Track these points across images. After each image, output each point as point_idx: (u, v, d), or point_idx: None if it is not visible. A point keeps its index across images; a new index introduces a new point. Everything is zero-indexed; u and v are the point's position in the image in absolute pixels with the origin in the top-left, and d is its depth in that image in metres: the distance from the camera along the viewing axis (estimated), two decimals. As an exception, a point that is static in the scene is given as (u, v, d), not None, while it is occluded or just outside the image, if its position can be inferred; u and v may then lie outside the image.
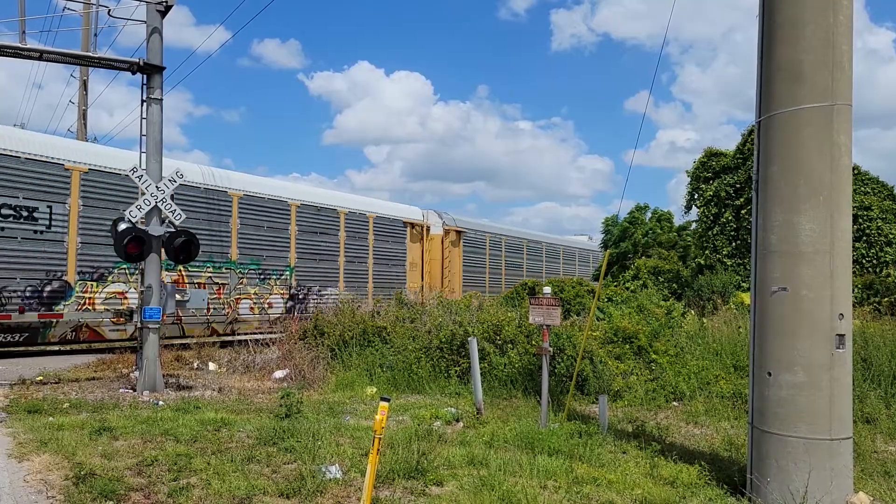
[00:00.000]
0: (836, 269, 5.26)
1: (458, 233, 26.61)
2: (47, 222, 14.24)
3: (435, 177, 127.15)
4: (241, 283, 17.99)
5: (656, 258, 25.70)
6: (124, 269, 15.41)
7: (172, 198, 10.84)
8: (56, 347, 15.68)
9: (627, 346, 10.77)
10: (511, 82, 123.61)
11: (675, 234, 32.05)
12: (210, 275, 17.29)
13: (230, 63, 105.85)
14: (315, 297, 20.29)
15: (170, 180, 10.66)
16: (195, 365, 13.41)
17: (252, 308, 18.27)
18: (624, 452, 6.82)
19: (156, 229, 10.56)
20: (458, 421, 8.28)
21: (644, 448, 6.85)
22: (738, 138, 25.02)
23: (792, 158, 5.40)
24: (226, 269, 17.65)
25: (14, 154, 13.87)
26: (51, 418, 8.05)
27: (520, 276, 30.88)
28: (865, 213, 20.38)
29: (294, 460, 6.28)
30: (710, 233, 22.88)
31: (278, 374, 11.87)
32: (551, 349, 8.18)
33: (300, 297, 19.84)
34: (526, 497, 5.21)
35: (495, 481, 5.54)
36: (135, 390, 10.39)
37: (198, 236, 11.40)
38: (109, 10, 11.09)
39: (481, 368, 9.26)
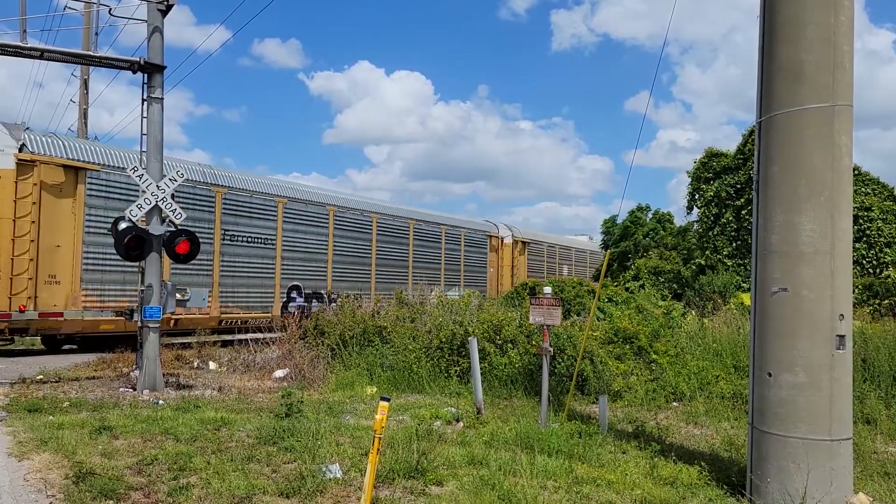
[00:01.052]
0: (836, 270, 5.26)
1: (73, 170, 13.78)
2: None
3: (435, 177, 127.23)
4: None
5: (656, 258, 25.60)
6: None
7: (173, 196, 10.84)
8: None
9: (628, 347, 10.77)
10: (511, 82, 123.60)
11: (678, 237, 31.74)
12: None
13: (231, 62, 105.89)
14: None
15: (170, 179, 10.66)
16: (195, 364, 13.42)
17: None
18: (624, 453, 6.82)
19: (156, 228, 10.56)
20: (458, 421, 8.28)
21: (644, 448, 6.85)
22: (738, 139, 25.02)
23: (793, 159, 5.40)
24: None
25: None
26: (51, 417, 8.05)
27: (291, 270, 18.67)
28: (866, 213, 20.38)
29: (294, 460, 6.28)
30: (710, 233, 22.88)
31: (278, 373, 11.88)
32: (552, 349, 8.18)
33: None
34: (526, 497, 5.21)
35: (495, 481, 5.54)
36: (135, 389, 10.39)
37: None
38: (110, 10, 11.10)
39: (481, 368, 9.25)
